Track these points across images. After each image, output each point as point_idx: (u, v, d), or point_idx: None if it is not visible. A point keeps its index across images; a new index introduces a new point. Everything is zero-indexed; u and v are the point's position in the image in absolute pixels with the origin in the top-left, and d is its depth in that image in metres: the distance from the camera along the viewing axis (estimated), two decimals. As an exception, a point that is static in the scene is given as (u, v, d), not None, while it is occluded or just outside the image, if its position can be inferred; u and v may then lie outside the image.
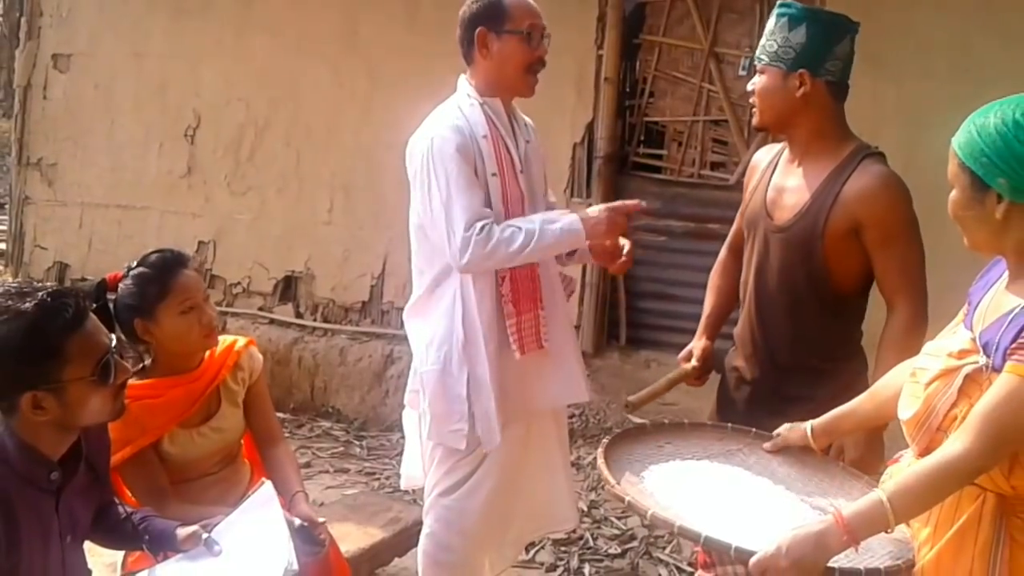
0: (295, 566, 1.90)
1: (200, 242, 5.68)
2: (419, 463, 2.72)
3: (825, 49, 2.29)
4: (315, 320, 5.53)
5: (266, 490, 2.12)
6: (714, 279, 2.73)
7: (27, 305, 1.70)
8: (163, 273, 2.29)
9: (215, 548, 1.95)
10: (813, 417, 2.08)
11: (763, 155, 2.59)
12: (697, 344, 2.67)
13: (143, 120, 5.75)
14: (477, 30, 2.51)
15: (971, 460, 1.54)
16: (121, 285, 2.30)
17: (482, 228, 2.39)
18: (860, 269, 2.32)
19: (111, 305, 2.25)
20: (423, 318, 2.60)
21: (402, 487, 2.99)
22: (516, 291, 2.54)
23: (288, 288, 5.60)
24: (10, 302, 1.70)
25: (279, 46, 5.41)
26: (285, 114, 5.48)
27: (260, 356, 2.54)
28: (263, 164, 5.55)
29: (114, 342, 1.83)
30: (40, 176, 6.00)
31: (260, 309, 5.57)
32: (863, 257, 2.29)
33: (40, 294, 1.72)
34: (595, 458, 4.37)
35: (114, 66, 5.78)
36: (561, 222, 2.46)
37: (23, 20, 6.01)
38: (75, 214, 5.93)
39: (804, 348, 2.38)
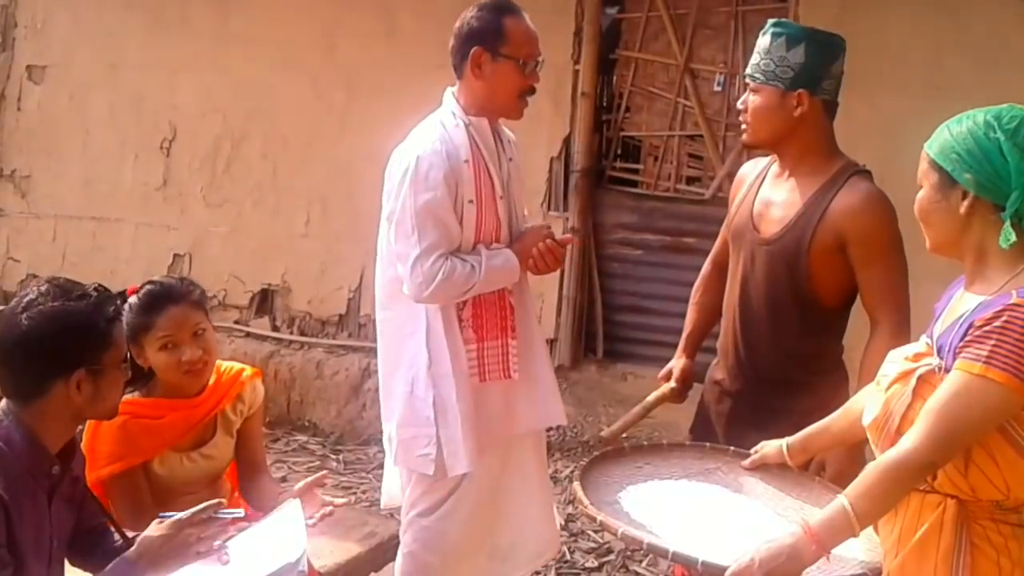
0: (304, 567, 1.89)
1: (175, 255, 5.64)
2: (398, 482, 2.71)
3: (823, 68, 2.32)
4: (291, 333, 5.51)
5: (293, 507, 2.11)
6: (696, 295, 2.74)
7: (86, 290, 1.86)
8: (146, 307, 2.30)
9: (223, 557, 1.96)
10: (795, 430, 2.10)
11: (749, 168, 2.60)
12: (677, 363, 2.68)
13: (118, 132, 5.71)
14: (473, 49, 2.45)
15: (922, 455, 1.58)
16: (126, 305, 2.31)
17: (438, 259, 2.39)
18: (844, 284, 2.35)
19: None
20: (391, 338, 2.57)
21: (382, 506, 2.97)
22: (479, 317, 2.50)
23: (264, 301, 5.57)
24: (61, 287, 1.84)
25: (256, 58, 5.40)
26: (262, 126, 5.46)
27: (262, 389, 2.53)
28: (239, 176, 5.53)
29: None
30: (14, 188, 5.94)
31: (236, 322, 5.53)
32: (847, 272, 2.32)
33: (87, 286, 1.88)
34: (572, 473, 4.39)
35: (89, 77, 5.74)
36: (498, 258, 2.49)
37: (-3, 31, 5.97)
38: (48, 226, 5.87)
39: (787, 360, 2.41)
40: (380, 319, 2.63)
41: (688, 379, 2.67)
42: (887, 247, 2.28)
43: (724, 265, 2.61)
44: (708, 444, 2.26)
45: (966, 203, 1.64)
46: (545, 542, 2.82)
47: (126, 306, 2.29)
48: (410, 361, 2.52)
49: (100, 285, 1.91)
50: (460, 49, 2.49)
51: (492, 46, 2.45)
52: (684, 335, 2.74)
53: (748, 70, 2.40)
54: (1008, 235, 1.60)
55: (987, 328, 1.57)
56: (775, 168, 2.47)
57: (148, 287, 2.34)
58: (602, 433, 2.54)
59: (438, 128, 2.48)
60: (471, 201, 2.45)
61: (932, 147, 1.69)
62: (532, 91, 2.52)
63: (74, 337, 1.80)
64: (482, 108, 2.51)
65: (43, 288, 1.83)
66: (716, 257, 2.70)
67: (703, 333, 2.73)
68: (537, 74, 2.52)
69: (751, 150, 2.46)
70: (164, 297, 2.31)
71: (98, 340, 1.83)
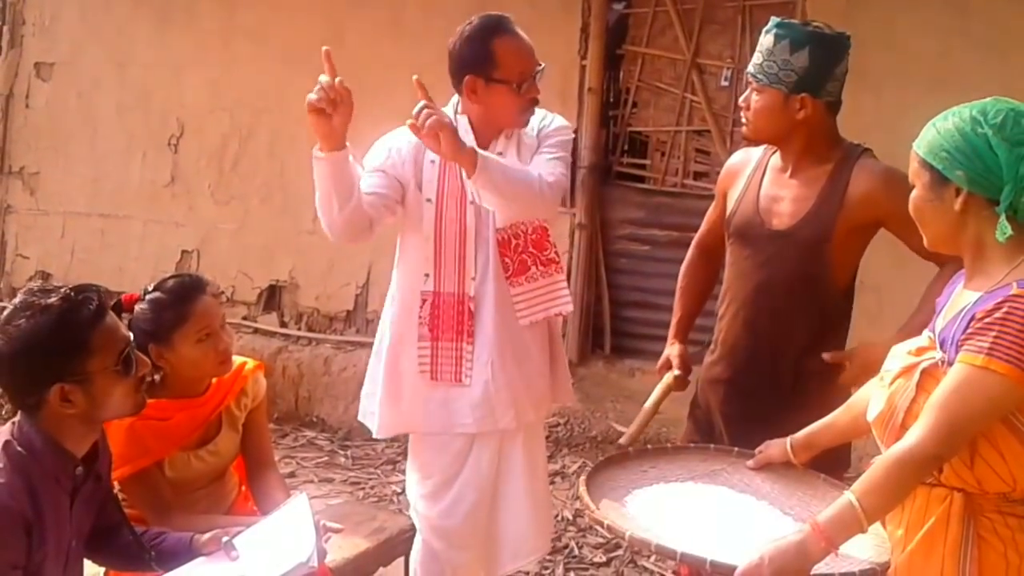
0: (314, 562, 1.89)
1: (183, 251, 5.66)
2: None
3: (827, 72, 2.29)
4: (299, 329, 5.53)
5: (301, 501, 2.11)
6: (683, 281, 2.73)
7: (52, 300, 1.75)
8: (180, 299, 2.25)
9: (232, 553, 1.95)
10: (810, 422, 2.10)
11: (740, 159, 2.58)
12: (673, 350, 2.64)
13: (126, 129, 5.73)
14: (465, 78, 2.42)
15: (927, 448, 1.59)
16: (137, 308, 2.25)
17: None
18: (855, 264, 2.40)
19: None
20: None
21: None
22: (435, 316, 2.54)
23: (272, 297, 5.59)
24: (35, 298, 1.76)
25: (263, 55, 5.41)
26: (269, 124, 5.47)
27: (264, 381, 2.52)
28: (247, 173, 5.54)
29: (132, 336, 1.88)
30: (22, 185, 5.96)
31: (244, 318, 5.55)
32: (860, 252, 2.38)
33: (63, 290, 1.78)
34: (580, 468, 4.40)
35: (97, 75, 5.76)
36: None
37: (5, 29, 5.97)
38: (57, 223, 5.90)
39: (817, 350, 2.38)
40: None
41: (688, 365, 2.62)
42: None
43: (710, 250, 2.64)
44: (712, 446, 2.26)
45: (960, 200, 1.63)
46: (531, 548, 2.75)
47: (143, 307, 2.25)
48: (381, 323, 2.71)
49: (80, 285, 1.82)
50: (453, 75, 2.47)
51: (484, 72, 2.40)
52: (675, 320, 2.70)
53: (751, 69, 2.36)
54: (1004, 228, 1.60)
55: (988, 320, 1.57)
56: (775, 161, 2.46)
57: (171, 281, 2.29)
58: (620, 440, 2.52)
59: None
60: (429, 200, 2.47)
61: (920, 146, 1.69)
62: (534, 103, 2.49)
63: (39, 355, 1.73)
64: (482, 124, 2.50)
65: (18, 302, 1.77)
66: (702, 242, 2.70)
67: (693, 318, 2.71)
68: (536, 86, 2.46)
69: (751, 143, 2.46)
70: (194, 288, 2.28)
71: (69, 352, 1.75)
